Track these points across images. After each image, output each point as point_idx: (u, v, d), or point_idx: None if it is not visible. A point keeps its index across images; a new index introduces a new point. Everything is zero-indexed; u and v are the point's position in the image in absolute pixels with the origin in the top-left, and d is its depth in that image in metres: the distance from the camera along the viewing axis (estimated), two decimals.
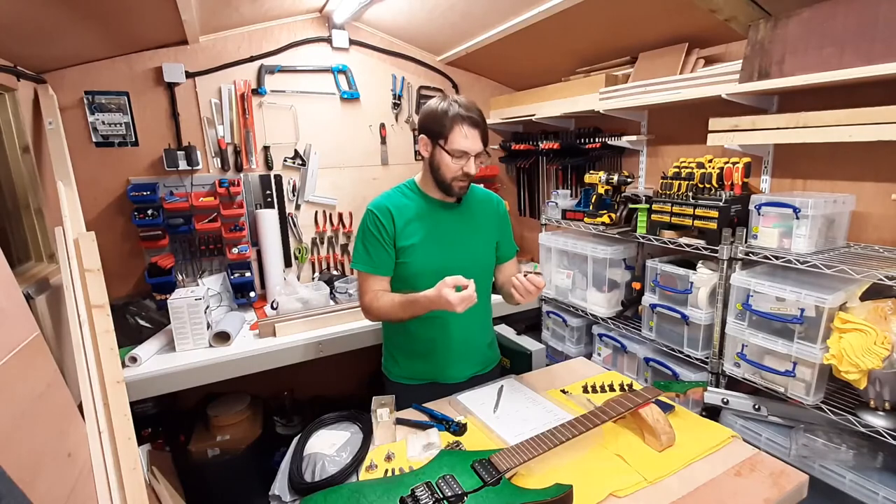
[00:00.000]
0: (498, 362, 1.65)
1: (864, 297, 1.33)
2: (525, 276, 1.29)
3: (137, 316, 2.05)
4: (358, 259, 1.40)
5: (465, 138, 1.28)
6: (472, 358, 1.53)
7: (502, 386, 1.42)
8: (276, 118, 2.53)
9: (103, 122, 2.21)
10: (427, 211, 1.41)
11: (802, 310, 1.37)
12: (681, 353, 1.79)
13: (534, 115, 2.56)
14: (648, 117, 2.25)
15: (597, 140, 2.39)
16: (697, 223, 1.65)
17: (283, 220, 2.63)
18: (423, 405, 1.36)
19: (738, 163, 1.64)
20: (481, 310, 1.52)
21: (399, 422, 1.26)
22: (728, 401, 1.59)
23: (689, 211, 1.67)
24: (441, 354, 1.47)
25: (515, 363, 2.20)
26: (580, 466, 1.06)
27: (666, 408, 1.24)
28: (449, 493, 0.91)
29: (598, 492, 0.98)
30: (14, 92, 1.88)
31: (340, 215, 2.77)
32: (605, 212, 2.03)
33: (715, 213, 1.59)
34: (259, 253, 2.49)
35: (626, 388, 1.35)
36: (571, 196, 2.46)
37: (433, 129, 1.31)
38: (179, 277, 2.40)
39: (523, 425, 1.20)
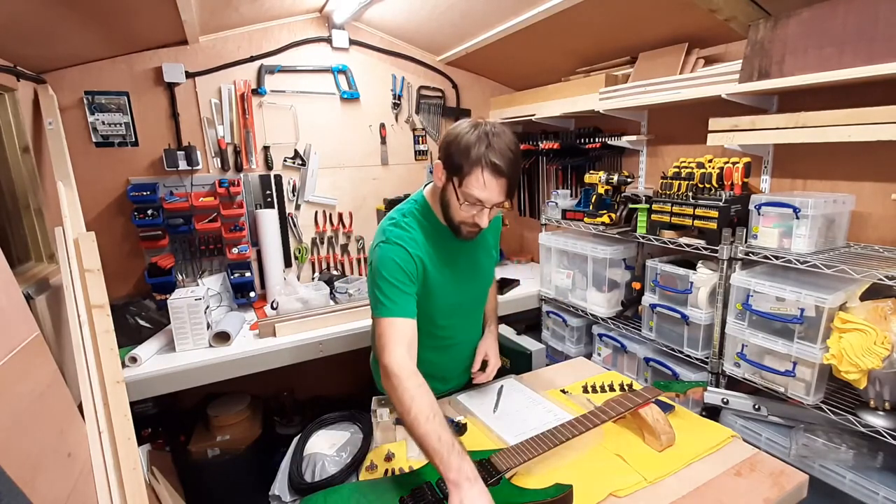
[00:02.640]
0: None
1: (864, 297, 1.33)
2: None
3: (137, 316, 2.05)
4: (387, 307, 1.12)
5: (482, 188, 1.07)
6: (467, 367, 1.46)
7: (502, 386, 1.42)
8: (276, 118, 2.53)
9: (103, 122, 2.21)
10: (446, 244, 1.24)
11: (802, 310, 1.37)
12: (681, 353, 1.79)
13: (534, 115, 2.56)
14: (648, 117, 2.26)
15: (597, 140, 2.39)
16: (697, 223, 1.65)
17: (283, 220, 2.62)
18: None
19: (738, 163, 1.64)
20: (478, 324, 1.48)
21: (399, 422, 1.26)
22: (728, 401, 1.59)
23: (689, 211, 1.67)
24: (447, 373, 1.43)
25: (515, 363, 2.20)
26: (580, 466, 1.06)
27: (666, 408, 1.24)
28: None
29: (598, 492, 0.98)
30: (14, 92, 1.88)
31: (340, 215, 2.77)
32: (605, 212, 2.03)
33: (715, 213, 1.59)
34: (259, 253, 2.49)
35: (626, 388, 1.35)
36: (571, 196, 2.46)
37: (452, 160, 1.09)
38: (179, 277, 2.40)
39: (523, 425, 1.20)
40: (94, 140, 2.21)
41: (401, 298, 1.13)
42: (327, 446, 1.18)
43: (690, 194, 1.72)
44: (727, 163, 1.66)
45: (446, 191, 1.15)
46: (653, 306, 1.87)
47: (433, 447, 0.93)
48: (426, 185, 1.29)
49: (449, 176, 1.12)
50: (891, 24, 1.25)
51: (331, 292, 2.42)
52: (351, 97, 2.66)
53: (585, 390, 1.38)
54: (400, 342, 1.09)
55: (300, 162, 2.60)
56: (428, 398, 1.01)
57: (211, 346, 1.95)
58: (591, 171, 2.22)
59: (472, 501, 0.86)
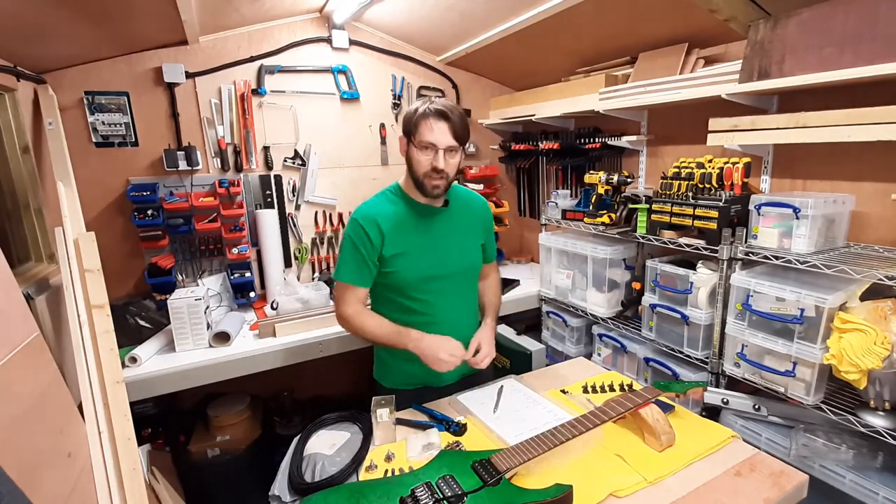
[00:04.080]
0: None
1: (864, 297, 1.33)
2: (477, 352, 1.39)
3: (137, 316, 2.05)
4: (340, 271, 1.38)
5: (430, 131, 1.27)
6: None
7: (502, 386, 1.42)
8: (276, 118, 2.53)
9: (103, 123, 2.21)
10: (414, 216, 1.39)
11: (802, 310, 1.37)
12: (681, 353, 1.79)
13: (534, 115, 2.56)
14: (648, 117, 2.26)
15: (597, 140, 2.39)
16: (697, 223, 1.65)
17: (283, 220, 2.62)
18: (424, 405, 1.36)
19: (738, 163, 1.64)
20: (471, 311, 1.52)
21: (399, 422, 1.26)
22: (728, 401, 1.59)
23: (689, 211, 1.67)
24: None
25: (515, 363, 2.21)
26: (580, 466, 1.06)
27: (666, 408, 1.24)
28: (449, 494, 0.92)
29: (598, 492, 0.98)
30: (14, 92, 1.88)
31: (340, 215, 2.77)
32: (605, 212, 2.03)
33: (715, 213, 1.59)
34: (259, 253, 2.49)
35: (626, 388, 1.35)
36: (571, 196, 2.46)
37: (406, 127, 1.33)
38: (179, 277, 2.40)
39: (523, 425, 1.20)
40: (94, 140, 2.21)
41: (354, 267, 1.36)
42: (327, 446, 1.18)
43: (690, 194, 1.72)
44: (727, 163, 1.65)
45: (409, 153, 1.34)
46: (653, 306, 1.87)
47: (393, 341, 1.34)
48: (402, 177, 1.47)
49: (408, 140, 1.34)
50: (891, 24, 1.25)
51: (331, 292, 2.42)
52: (351, 97, 2.66)
53: (585, 390, 1.38)
54: (351, 300, 1.39)
55: (300, 162, 2.60)
56: (370, 316, 1.39)
57: (211, 346, 1.95)
58: (591, 171, 2.22)
59: (430, 340, 1.31)
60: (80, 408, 1.32)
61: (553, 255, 2.36)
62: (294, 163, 2.59)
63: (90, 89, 2.16)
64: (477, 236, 1.50)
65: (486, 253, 1.56)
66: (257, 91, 2.45)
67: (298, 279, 2.59)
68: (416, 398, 1.40)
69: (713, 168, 1.67)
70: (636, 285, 2.07)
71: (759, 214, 1.53)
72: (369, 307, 1.46)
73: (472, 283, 1.52)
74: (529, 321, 2.59)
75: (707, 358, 1.70)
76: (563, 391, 1.40)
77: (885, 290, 1.28)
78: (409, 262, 1.36)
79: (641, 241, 1.95)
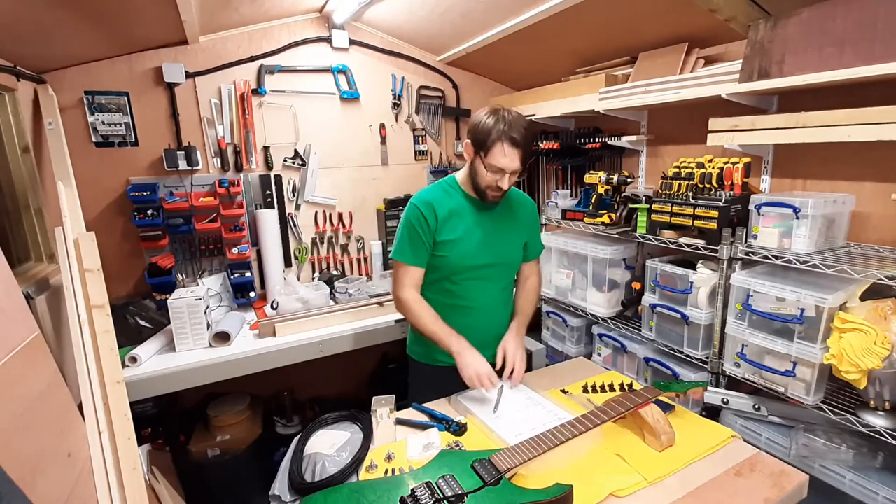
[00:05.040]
0: None
1: (864, 296, 1.33)
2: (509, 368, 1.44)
3: (137, 316, 2.05)
4: (398, 251, 1.48)
5: (503, 156, 1.33)
6: (493, 346, 1.58)
7: (502, 386, 1.42)
8: (276, 118, 2.53)
9: (103, 122, 2.21)
10: (467, 208, 1.49)
11: (802, 310, 1.37)
12: (681, 353, 1.79)
13: (534, 115, 2.56)
14: (648, 117, 2.26)
15: (597, 140, 2.39)
16: (697, 223, 1.65)
17: (283, 220, 2.62)
18: (423, 405, 1.36)
19: (738, 163, 1.64)
20: (505, 302, 1.62)
21: (399, 422, 1.26)
22: (728, 401, 1.59)
23: (689, 211, 1.67)
24: (467, 340, 1.51)
25: None
26: (580, 466, 1.06)
27: (666, 408, 1.24)
28: (449, 493, 0.92)
29: (598, 492, 0.98)
30: (14, 92, 1.88)
31: (340, 215, 2.77)
32: (605, 212, 2.03)
33: (715, 213, 1.59)
34: (259, 253, 2.49)
35: (626, 388, 1.35)
36: (571, 196, 2.46)
37: (478, 139, 1.37)
38: (179, 277, 2.39)
39: (523, 425, 1.21)
40: (94, 140, 2.21)
41: (411, 247, 1.45)
42: (327, 446, 1.18)
43: (690, 194, 1.72)
44: (727, 163, 1.66)
45: (475, 163, 1.41)
46: (653, 306, 1.87)
47: (439, 338, 1.41)
48: (456, 171, 1.57)
49: (476, 151, 1.39)
50: (891, 24, 1.25)
51: (331, 292, 2.42)
52: (351, 97, 2.66)
53: (585, 390, 1.39)
54: (408, 282, 1.47)
55: (300, 162, 2.60)
56: (427, 310, 1.46)
57: (211, 346, 1.95)
58: (591, 171, 2.22)
59: (472, 356, 1.37)
60: (80, 408, 1.32)
61: (553, 255, 2.36)
62: (294, 163, 2.59)
63: (90, 89, 2.16)
64: (521, 233, 1.59)
65: (529, 250, 1.63)
66: (257, 91, 2.45)
67: (298, 279, 2.59)
68: (447, 374, 1.47)
69: (713, 168, 1.67)
70: (636, 285, 2.07)
71: (759, 214, 1.53)
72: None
73: (511, 276, 1.63)
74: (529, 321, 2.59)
75: (707, 358, 1.70)
76: (563, 391, 1.40)
77: (885, 290, 1.28)
78: (459, 248, 1.45)
79: (641, 241, 1.95)
